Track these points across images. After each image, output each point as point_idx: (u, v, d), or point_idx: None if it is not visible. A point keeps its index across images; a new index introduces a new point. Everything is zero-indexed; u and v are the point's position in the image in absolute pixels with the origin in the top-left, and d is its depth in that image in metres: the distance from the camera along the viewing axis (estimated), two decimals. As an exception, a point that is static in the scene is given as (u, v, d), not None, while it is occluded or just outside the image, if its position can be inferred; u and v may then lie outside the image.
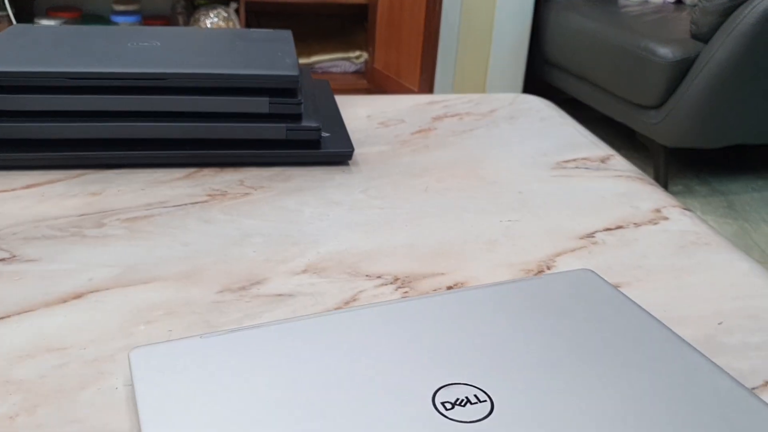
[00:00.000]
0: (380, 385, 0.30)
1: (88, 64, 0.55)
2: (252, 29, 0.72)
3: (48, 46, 0.59)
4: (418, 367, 0.31)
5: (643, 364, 0.32)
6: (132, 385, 0.31)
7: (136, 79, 0.55)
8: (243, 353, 0.32)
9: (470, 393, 0.30)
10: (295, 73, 0.56)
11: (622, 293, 0.38)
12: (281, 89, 0.57)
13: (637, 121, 2.31)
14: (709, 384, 0.31)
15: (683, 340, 0.35)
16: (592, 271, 0.39)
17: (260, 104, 0.56)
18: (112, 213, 0.50)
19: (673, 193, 2.37)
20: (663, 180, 2.33)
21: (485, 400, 0.30)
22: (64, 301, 0.40)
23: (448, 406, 0.29)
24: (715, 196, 2.37)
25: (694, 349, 0.34)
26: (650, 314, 0.36)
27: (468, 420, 0.28)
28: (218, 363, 0.31)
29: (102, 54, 0.58)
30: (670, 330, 0.35)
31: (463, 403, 0.29)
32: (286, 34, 0.69)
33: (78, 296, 0.40)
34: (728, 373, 0.32)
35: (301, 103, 0.57)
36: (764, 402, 0.31)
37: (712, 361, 0.33)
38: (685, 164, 2.60)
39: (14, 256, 0.44)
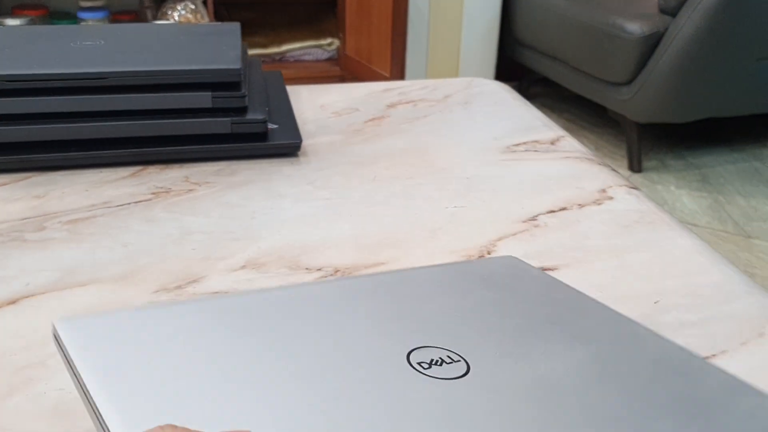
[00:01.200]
0: (349, 348, 0.30)
1: (27, 66, 0.55)
2: (199, 24, 0.71)
3: (-13, 49, 0.59)
4: (383, 334, 0.31)
5: (592, 334, 0.33)
6: (65, 355, 0.29)
7: (76, 79, 0.54)
8: (190, 323, 0.30)
9: (443, 354, 0.30)
10: (237, 66, 0.56)
11: (550, 275, 0.38)
12: (224, 83, 0.57)
13: (608, 97, 2.31)
14: (657, 350, 0.32)
15: (622, 314, 0.35)
16: (516, 258, 0.39)
17: (203, 99, 0.56)
18: (55, 216, 0.50)
19: (648, 169, 2.39)
20: (636, 156, 2.34)
21: (459, 361, 0.29)
22: (0, 307, 0.40)
23: (425, 365, 0.29)
24: (690, 170, 2.39)
25: (635, 321, 0.34)
26: (582, 293, 0.37)
27: (447, 377, 0.28)
28: (162, 333, 0.29)
29: (43, 55, 0.58)
30: (606, 306, 0.35)
31: (439, 363, 0.29)
32: (234, 27, 0.68)
33: (13, 302, 0.40)
34: (672, 341, 0.33)
35: (245, 96, 0.57)
36: (711, 364, 0.31)
37: (653, 331, 0.34)
38: (659, 139, 2.61)
39: (-49, 264, 0.44)
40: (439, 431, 0.25)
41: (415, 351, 0.30)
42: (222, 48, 0.60)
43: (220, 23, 0.70)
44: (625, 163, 2.39)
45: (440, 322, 0.32)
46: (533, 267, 0.38)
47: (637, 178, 2.32)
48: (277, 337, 0.30)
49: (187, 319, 0.31)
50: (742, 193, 2.25)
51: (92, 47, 0.60)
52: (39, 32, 0.65)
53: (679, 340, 0.39)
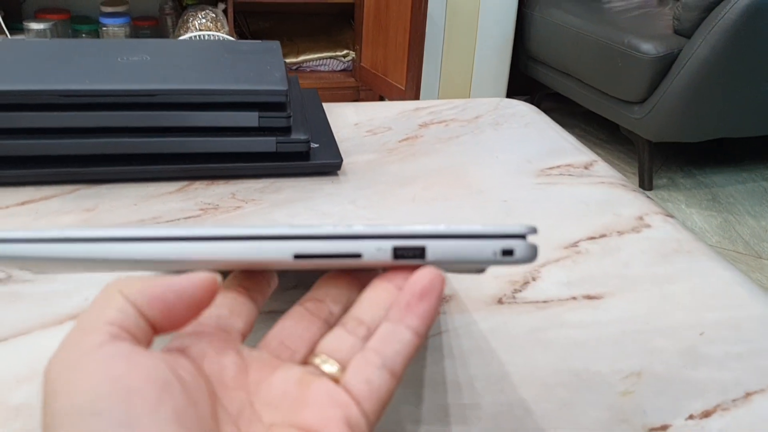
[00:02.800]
0: None
1: (79, 81, 0.56)
2: (241, 41, 0.72)
3: (38, 63, 0.60)
4: None
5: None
6: None
7: (127, 95, 0.56)
8: None
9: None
10: (283, 87, 0.57)
11: None
12: (270, 103, 0.58)
13: (621, 116, 2.33)
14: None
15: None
16: None
17: (250, 118, 0.57)
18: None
19: (659, 187, 2.40)
20: (648, 173, 2.36)
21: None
22: (61, 322, 0.41)
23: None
24: (700, 189, 2.40)
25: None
26: None
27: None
28: None
29: (93, 70, 0.59)
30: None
31: None
32: (275, 46, 0.70)
33: (74, 317, 0.41)
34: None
35: (290, 116, 0.58)
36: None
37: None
38: (670, 157, 2.62)
39: (10, 277, 0.45)
40: None
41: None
42: (266, 68, 0.62)
43: (260, 42, 0.71)
44: (635, 180, 2.41)
45: None
46: None
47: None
48: None
49: None
50: (752, 214, 2.26)
51: (139, 63, 0.61)
52: (84, 46, 0.66)
53: (727, 374, 0.40)
